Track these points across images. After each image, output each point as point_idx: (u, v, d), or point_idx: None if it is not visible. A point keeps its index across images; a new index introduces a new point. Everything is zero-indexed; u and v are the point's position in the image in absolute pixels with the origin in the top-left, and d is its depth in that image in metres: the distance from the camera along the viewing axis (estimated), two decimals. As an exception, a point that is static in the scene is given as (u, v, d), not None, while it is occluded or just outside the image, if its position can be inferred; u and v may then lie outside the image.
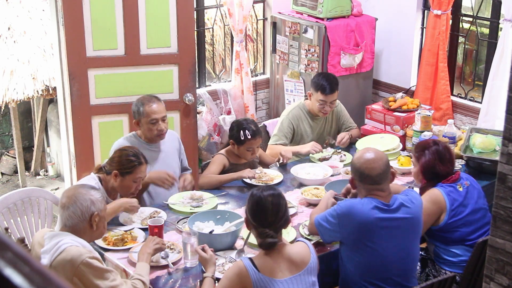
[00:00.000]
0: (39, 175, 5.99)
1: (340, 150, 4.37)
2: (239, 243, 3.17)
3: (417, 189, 3.45)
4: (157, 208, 3.54)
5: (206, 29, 5.73)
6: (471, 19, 5.42)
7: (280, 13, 5.71)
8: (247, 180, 3.86)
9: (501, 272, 2.14)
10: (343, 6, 5.46)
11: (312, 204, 3.61)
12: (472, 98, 5.48)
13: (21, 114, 5.91)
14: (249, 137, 3.90)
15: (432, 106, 5.14)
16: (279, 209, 2.67)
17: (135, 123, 3.81)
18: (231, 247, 3.13)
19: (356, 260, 2.96)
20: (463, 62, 5.73)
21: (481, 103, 5.20)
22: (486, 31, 5.42)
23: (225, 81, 5.88)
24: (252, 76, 5.81)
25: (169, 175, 3.65)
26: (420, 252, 3.54)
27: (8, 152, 6.03)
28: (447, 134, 4.18)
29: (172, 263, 2.98)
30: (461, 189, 3.38)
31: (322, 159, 4.24)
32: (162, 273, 2.95)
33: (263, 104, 6.08)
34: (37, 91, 5.09)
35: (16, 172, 5.85)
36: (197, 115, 5.15)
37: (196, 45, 5.24)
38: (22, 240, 3.34)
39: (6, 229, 3.56)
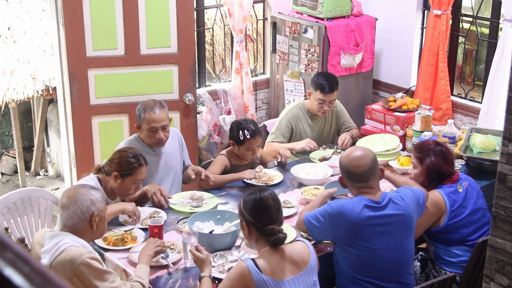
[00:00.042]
0: (39, 175, 5.99)
1: (340, 150, 4.37)
2: (239, 243, 3.17)
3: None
4: (157, 208, 3.53)
5: (206, 29, 5.73)
6: (471, 19, 5.42)
7: (280, 13, 5.71)
8: (247, 181, 3.86)
9: (501, 272, 2.14)
10: (343, 6, 5.46)
11: (312, 204, 3.61)
12: (472, 98, 5.48)
13: (21, 114, 5.91)
14: (248, 136, 3.89)
15: (432, 106, 5.14)
16: (279, 205, 2.73)
17: (136, 126, 3.77)
18: (231, 247, 3.13)
19: (350, 260, 2.97)
20: (463, 62, 5.73)
21: (481, 103, 5.20)
22: (486, 31, 5.42)
23: (225, 81, 5.88)
24: (252, 76, 5.81)
25: (161, 192, 3.55)
26: (420, 252, 3.55)
27: (8, 152, 6.03)
28: (447, 134, 4.18)
29: (172, 263, 2.98)
30: (460, 190, 3.38)
31: (322, 159, 4.24)
32: (162, 273, 2.95)
33: (263, 104, 6.08)
34: (37, 91, 5.09)
35: (16, 172, 5.85)
36: (197, 115, 5.15)
37: (196, 45, 5.24)
38: (22, 240, 3.34)
39: (6, 229, 3.56)
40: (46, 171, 5.98)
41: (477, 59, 5.60)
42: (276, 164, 4.15)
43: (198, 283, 2.79)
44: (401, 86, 5.78)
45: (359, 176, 2.99)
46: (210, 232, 3.14)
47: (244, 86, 5.65)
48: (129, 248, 3.11)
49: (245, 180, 3.86)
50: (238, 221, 3.20)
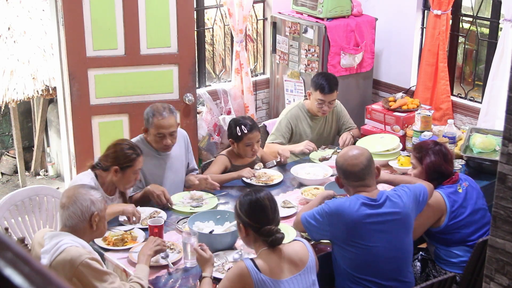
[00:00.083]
0: (39, 175, 5.99)
1: (340, 151, 4.36)
2: (239, 243, 3.17)
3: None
4: (157, 208, 3.53)
5: (206, 29, 5.73)
6: (471, 19, 5.42)
7: (280, 13, 5.71)
8: (247, 180, 3.86)
9: (501, 272, 2.14)
10: (343, 6, 5.46)
11: (312, 204, 3.61)
12: (472, 98, 5.48)
13: (21, 114, 5.91)
14: (246, 131, 3.89)
15: (432, 106, 5.14)
16: (276, 205, 2.73)
17: (144, 130, 3.73)
18: (231, 247, 3.13)
19: (349, 258, 2.97)
20: (463, 62, 5.73)
21: (481, 103, 5.20)
22: (486, 31, 5.42)
23: (225, 81, 5.88)
24: (252, 76, 5.81)
25: (164, 195, 3.54)
26: (421, 253, 3.55)
27: (8, 152, 6.03)
28: (447, 134, 4.18)
29: (172, 263, 2.98)
30: (460, 191, 3.38)
31: (322, 159, 4.24)
32: (162, 273, 2.95)
33: (263, 104, 6.08)
34: (37, 91, 5.09)
35: (16, 172, 5.85)
36: (197, 115, 5.15)
37: (196, 45, 5.24)
38: (22, 240, 3.34)
39: (6, 229, 3.57)
40: (46, 171, 5.98)
41: (477, 59, 5.61)
42: (275, 163, 4.14)
43: (198, 283, 2.79)
44: (401, 86, 5.78)
45: (355, 174, 3.01)
46: (210, 232, 3.14)
47: (244, 86, 5.65)
48: (129, 248, 3.11)
49: (245, 180, 3.86)
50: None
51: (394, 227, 2.99)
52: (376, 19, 5.62)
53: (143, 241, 3.13)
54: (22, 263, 0.74)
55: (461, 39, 5.62)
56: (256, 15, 6.04)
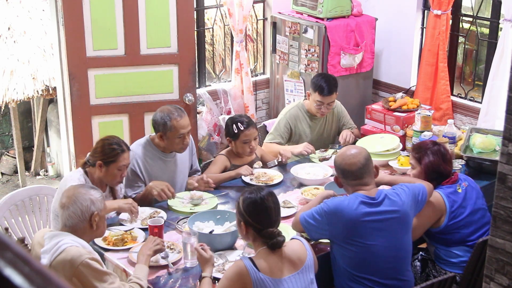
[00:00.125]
0: (39, 175, 5.99)
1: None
2: (239, 243, 3.17)
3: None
4: (157, 208, 3.53)
5: (206, 29, 5.74)
6: (471, 19, 5.42)
7: (280, 13, 5.71)
8: (247, 180, 3.86)
9: (501, 272, 2.14)
10: (343, 6, 5.46)
11: (312, 204, 3.61)
12: (472, 98, 5.48)
13: (21, 114, 5.91)
14: (242, 128, 3.90)
15: (432, 106, 5.14)
16: (279, 207, 2.74)
17: (159, 136, 3.67)
18: (231, 247, 3.13)
19: (348, 257, 2.98)
20: (463, 62, 5.73)
21: (481, 103, 5.21)
22: (486, 31, 5.42)
23: (225, 81, 5.89)
24: (252, 76, 5.82)
25: (169, 188, 3.55)
26: (421, 253, 3.55)
27: (8, 152, 6.03)
28: (447, 134, 4.18)
29: (172, 263, 2.98)
30: (460, 191, 3.38)
31: (322, 159, 4.24)
32: (162, 273, 2.95)
33: (263, 104, 6.08)
34: (37, 91, 5.09)
35: (16, 172, 5.85)
36: (197, 115, 5.15)
37: (196, 45, 5.24)
38: (22, 240, 3.34)
39: (6, 229, 3.57)
40: (46, 171, 5.98)
41: (477, 59, 5.61)
42: (277, 163, 4.15)
43: (198, 283, 2.79)
44: (401, 86, 5.78)
45: (353, 173, 3.02)
46: (210, 232, 3.15)
47: (244, 86, 5.65)
48: (129, 248, 3.11)
49: (244, 179, 3.86)
50: (238, 220, 3.21)
51: (393, 225, 2.99)
52: (376, 19, 5.62)
53: (143, 241, 3.13)
54: (22, 263, 0.74)
55: (461, 39, 5.62)
56: (256, 15, 6.04)
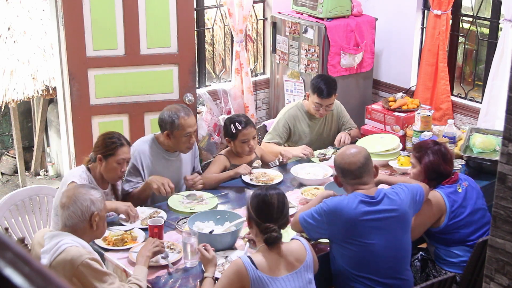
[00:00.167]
0: (39, 175, 5.99)
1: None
2: (239, 243, 3.17)
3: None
4: (157, 208, 3.53)
5: (206, 29, 5.74)
6: (471, 19, 5.42)
7: (280, 13, 5.71)
8: (247, 180, 3.86)
9: (501, 272, 2.14)
10: (343, 6, 5.46)
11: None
12: (472, 98, 5.48)
13: (21, 114, 5.91)
14: (240, 127, 3.90)
15: (432, 106, 5.14)
16: (284, 207, 2.76)
17: (166, 134, 3.66)
18: (231, 247, 3.13)
19: (347, 256, 2.98)
20: (463, 62, 5.73)
21: (481, 103, 5.21)
22: (486, 31, 5.42)
23: (225, 81, 5.89)
24: (252, 76, 5.82)
25: (169, 184, 3.53)
26: (421, 252, 3.55)
27: (8, 152, 6.03)
28: (447, 134, 4.18)
29: (172, 263, 2.98)
30: (460, 191, 3.38)
31: (322, 159, 4.24)
32: (162, 273, 2.95)
33: (263, 104, 6.08)
34: (37, 91, 5.09)
35: (16, 172, 5.85)
36: (197, 115, 5.15)
37: (196, 45, 5.24)
38: (22, 240, 3.34)
39: (6, 229, 3.57)
40: (46, 171, 5.98)
41: (477, 59, 5.61)
42: (278, 164, 4.15)
43: (198, 283, 2.79)
44: (401, 86, 5.78)
45: (352, 172, 3.02)
46: (210, 232, 3.15)
47: (244, 86, 5.65)
48: (129, 248, 3.11)
49: (245, 180, 3.86)
50: (238, 221, 3.22)
51: (392, 224, 3.00)
52: (376, 19, 5.62)
53: (143, 241, 3.13)
54: (22, 263, 0.74)
55: (461, 39, 5.62)
56: (256, 15, 6.04)
